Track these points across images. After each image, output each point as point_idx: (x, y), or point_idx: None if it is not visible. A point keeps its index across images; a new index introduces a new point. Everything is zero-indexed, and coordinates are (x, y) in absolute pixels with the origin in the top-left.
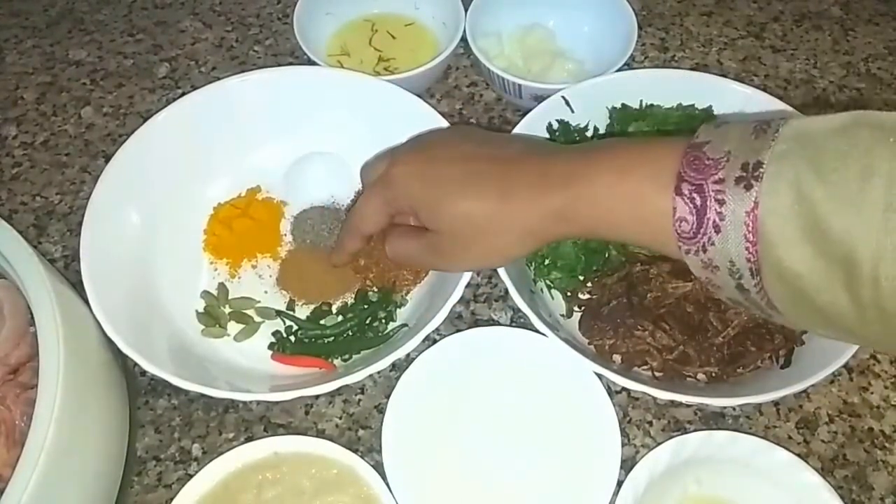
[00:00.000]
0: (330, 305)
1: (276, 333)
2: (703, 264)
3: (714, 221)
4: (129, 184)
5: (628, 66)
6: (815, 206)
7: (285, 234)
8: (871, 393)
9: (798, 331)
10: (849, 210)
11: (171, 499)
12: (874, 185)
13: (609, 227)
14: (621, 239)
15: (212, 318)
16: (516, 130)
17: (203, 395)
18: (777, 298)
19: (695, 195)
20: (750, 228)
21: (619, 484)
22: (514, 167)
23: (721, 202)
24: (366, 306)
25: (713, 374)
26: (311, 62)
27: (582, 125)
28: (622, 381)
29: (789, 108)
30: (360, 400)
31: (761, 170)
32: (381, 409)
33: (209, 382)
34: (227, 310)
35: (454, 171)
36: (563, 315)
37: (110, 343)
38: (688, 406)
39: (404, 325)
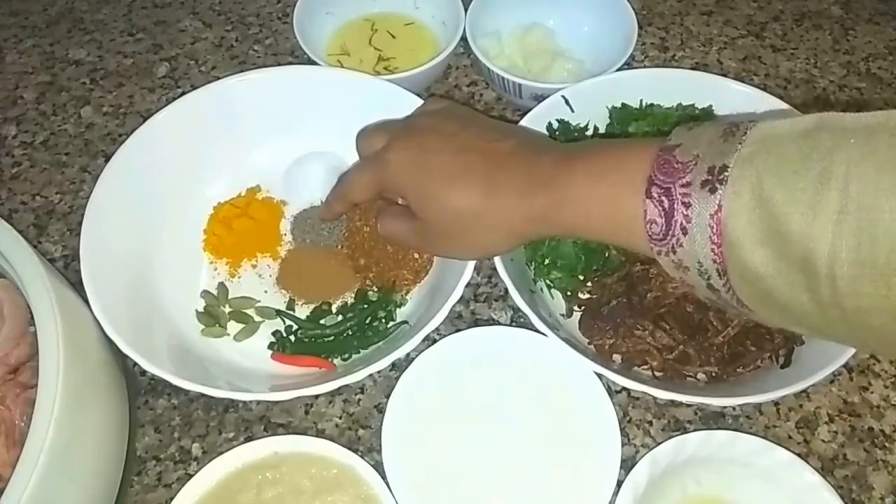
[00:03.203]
0: (330, 305)
1: (276, 333)
2: (675, 265)
3: (681, 224)
4: (129, 183)
5: (628, 65)
6: (775, 208)
7: (285, 234)
8: (871, 392)
9: None
10: (806, 212)
11: (171, 498)
12: (830, 187)
13: (586, 229)
14: (599, 240)
15: (212, 317)
16: None
17: (203, 395)
18: (745, 298)
19: (663, 198)
20: (714, 231)
21: (619, 484)
22: (502, 165)
23: (687, 205)
24: (366, 306)
25: (713, 374)
26: (310, 62)
27: (582, 125)
28: (622, 381)
29: (789, 108)
30: (360, 400)
31: (726, 173)
32: (381, 409)
33: (209, 382)
34: (227, 309)
35: (445, 162)
36: (563, 315)
37: (110, 343)
38: (688, 406)
39: (404, 322)
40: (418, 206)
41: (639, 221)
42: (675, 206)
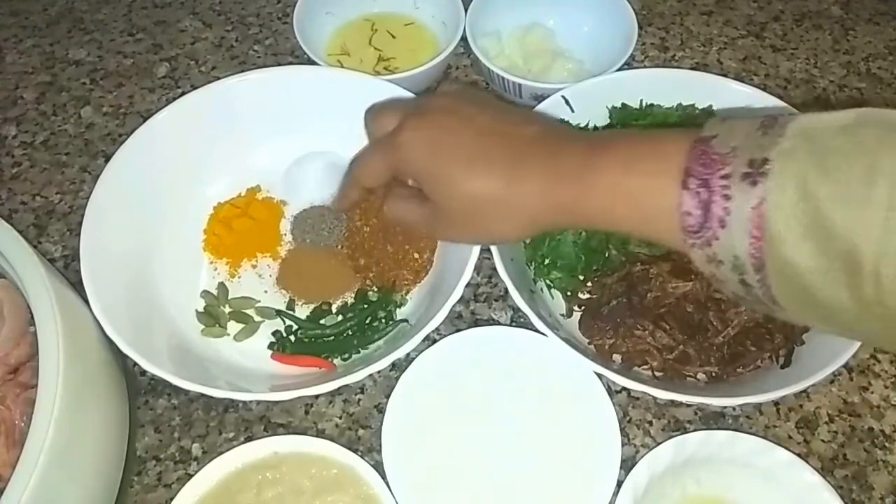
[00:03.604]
0: (330, 305)
1: (276, 333)
2: (708, 259)
3: (720, 216)
4: (129, 183)
5: (628, 65)
6: (820, 203)
7: (285, 234)
8: (872, 392)
9: (798, 330)
10: (852, 208)
11: (171, 498)
12: (878, 184)
13: (613, 220)
14: (625, 232)
15: (212, 317)
16: None
17: (203, 395)
18: (779, 294)
19: (701, 190)
20: (755, 224)
21: (619, 484)
22: (525, 151)
23: (727, 197)
24: (366, 306)
25: (713, 374)
26: (310, 62)
27: (582, 125)
28: (622, 381)
29: (789, 108)
30: (360, 400)
31: (767, 166)
32: (381, 409)
33: (209, 382)
34: (227, 309)
35: (464, 146)
36: (563, 315)
37: (110, 343)
38: (688, 406)
39: (404, 320)
40: (432, 190)
41: (672, 213)
42: (714, 198)
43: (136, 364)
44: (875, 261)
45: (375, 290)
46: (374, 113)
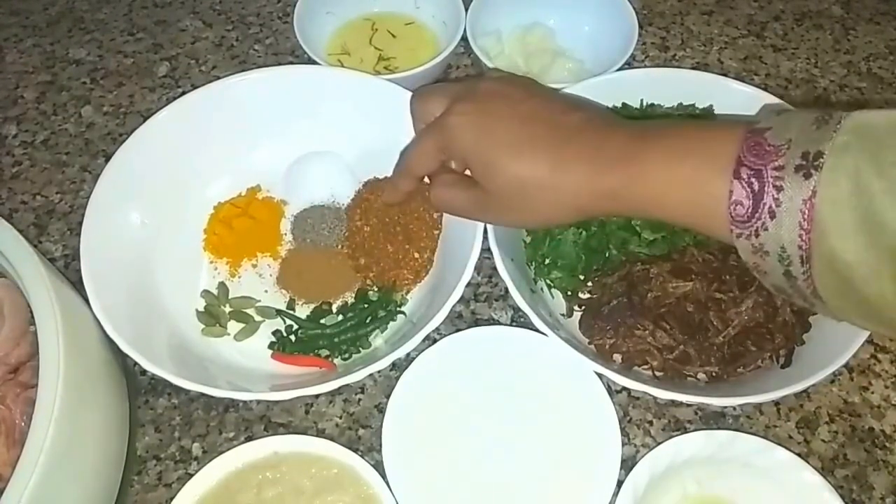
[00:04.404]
0: (330, 304)
1: (276, 333)
2: (753, 249)
3: (770, 207)
4: (129, 183)
5: (629, 65)
6: (873, 198)
7: (285, 234)
8: (872, 393)
9: (798, 330)
10: None
11: (171, 498)
12: None
13: (660, 208)
14: (670, 220)
15: (212, 317)
16: None
17: (203, 395)
18: (823, 287)
19: (753, 180)
20: (805, 216)
21: (619, 484)
22: (571, 138)
23: (779, 188)
24: (366, 306)
25: (713, 374)
26: (311, 61)
27: None
28: (622, 381)
29: (789, 107)
30: (360, 399)
31: (821, 160)
32: (381, 409)
33: (209, 382)
34: (228, 309)
35: (511, 130)
36: (563, 314)
37: (110, 342)
38: (688, 406)
39: (402, 312)
40: (480, 173)
41: (721, 202)
42: (766, 188)
43: (136, 363)
44: None
45: (376, 289)
46: (422, 97)
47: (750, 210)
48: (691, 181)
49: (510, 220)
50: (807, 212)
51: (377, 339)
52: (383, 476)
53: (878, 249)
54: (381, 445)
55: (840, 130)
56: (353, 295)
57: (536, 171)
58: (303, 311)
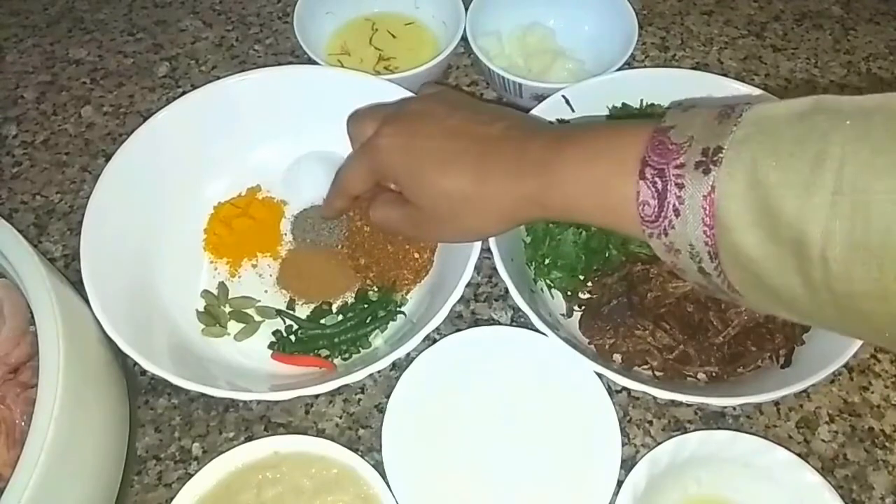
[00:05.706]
0: (330, 305)
1: (276, 333)
2: (666, 248)
3: (674, 205)
4: (129, 183)
5: (629, 65)
6: (769, 190)
7: (285, 234)
8: (872, 392)
9: (798, 330)
10: (800, 194)
11: (171, 498)
12: (825, 168)
13: (578, 211)
14: (592, 223)
15: (212, 317)
16: None
17: (203, 395)
18: (736, 282)
19: (657, 179)
20: (707, 212)
21: (619, 484)
22: (492, 148)
23: (681, 186)
24: (366, 306)
25: (713, 374)
26: (311, 61)
27: None
28: (622, 381)
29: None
30: (360, 399)
31: (720, 154)
32: (381, 409)
33: (209, 382)
34: (228, 309)
35: (436, 147)
36: (563, 314)
37: (110, 342)
38: (688, 406)
39: (402, 312)
40: (409, 192)
41: (631, 203)
42: (669, 187)
43: (136, 363)
44: (822, 246)
45: (376, 289)
46: (354, 119)
47: (657, 210)
48: (602, 184)
49: (443, 234)
50: (708, 208)
51: (377, 339)
52: (383, 476)
53: (779, 242)
54: (381, 445)
55: (741, 124)
56: (353, 295)
57: (461, 184)
58: (303, 311)
